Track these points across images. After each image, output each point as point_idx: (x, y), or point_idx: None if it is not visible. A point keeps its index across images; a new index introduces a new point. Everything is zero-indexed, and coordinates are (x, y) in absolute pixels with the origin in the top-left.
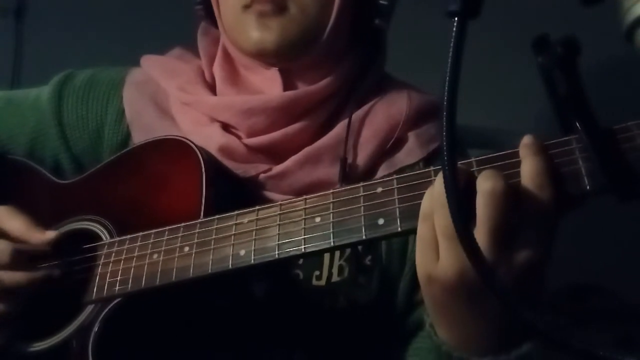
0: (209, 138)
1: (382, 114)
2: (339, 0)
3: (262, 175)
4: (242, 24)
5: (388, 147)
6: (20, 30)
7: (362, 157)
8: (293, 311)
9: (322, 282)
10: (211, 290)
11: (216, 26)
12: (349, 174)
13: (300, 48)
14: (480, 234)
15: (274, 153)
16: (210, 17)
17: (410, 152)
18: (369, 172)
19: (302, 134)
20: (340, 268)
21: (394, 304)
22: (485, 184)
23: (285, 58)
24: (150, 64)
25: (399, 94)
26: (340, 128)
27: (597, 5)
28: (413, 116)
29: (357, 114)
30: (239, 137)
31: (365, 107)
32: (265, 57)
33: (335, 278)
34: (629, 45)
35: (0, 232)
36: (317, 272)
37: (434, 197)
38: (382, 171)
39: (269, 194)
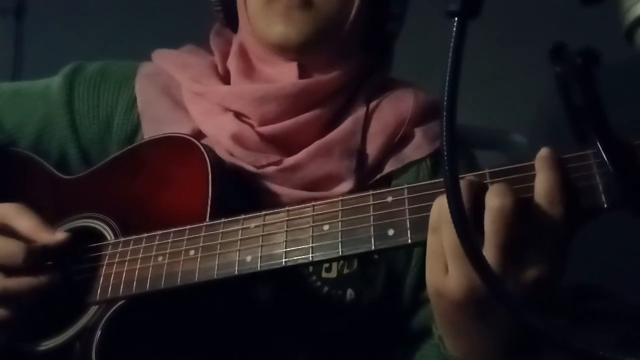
0: (221, 126)
1: (389, 110)
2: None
3: (273, 169)
4: (267, 16)
5: (395, 143)
6: (20, 30)
7: (372, 151)
8: (301, 305)
9: (332, 275)
10: (216, 293)
11: (230, 27)
12: (360, 168)
13: (321, 44)
14: (487, 249)
15: (285, 144)
16: (227, 15)
17: (417, 148)
18: (377, 166)
19: (312, 125)
20: (350, 261)
21: (400, 299)
22: (494, 201)
23: (306, 53)
24: (163, 57)
25: (405, 92)
26: (349, 122)
27: (597, 5)
28: (419, 113)
29: (366, 110)
30: (251, 127)
31: (373, 104)
32: (286, 51)
33: (345, 270)
34: (629, 45)
35: (8, 230)
36: (326, 265)
37: (442, 211)
38: (389, 166)
39: (280, 188)
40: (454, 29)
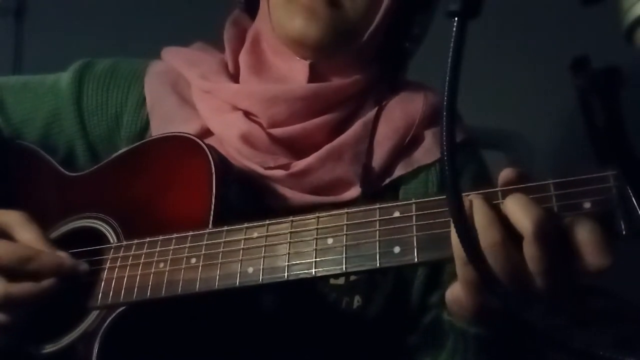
0: (230, 125)
1: (399, 112)
2: (383, 8)
3: (282, 172)
4: (290, 8)
5: (405, 145)
6: (20, 30)
7: (381, 155)
8: (308, 311)
9: (340, 281)
10: (218, 300)
11: (249, 14)
12: (367, 173)
13: (338, 46)
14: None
15: (294, 148)
16: (248, 5)
17: (427, 152)
18: (387, 170)
19: (322, 129)
20: None
21: (407, 305)
22: (487, 238)
23: (322, 52)
24: (172, 54)
25: (415, 94)
26: (359, 126)
27: (597, 5)
28: (429, 114)
29: (375, 113)
30: (260, 127)
31: (384, 106)
32: (303, 46)
33: (352, 277)
34: (629, 45)
35: (10, 238)
36: None
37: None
38: (399, 170)
39: (289, 192)
40: (454, 29)
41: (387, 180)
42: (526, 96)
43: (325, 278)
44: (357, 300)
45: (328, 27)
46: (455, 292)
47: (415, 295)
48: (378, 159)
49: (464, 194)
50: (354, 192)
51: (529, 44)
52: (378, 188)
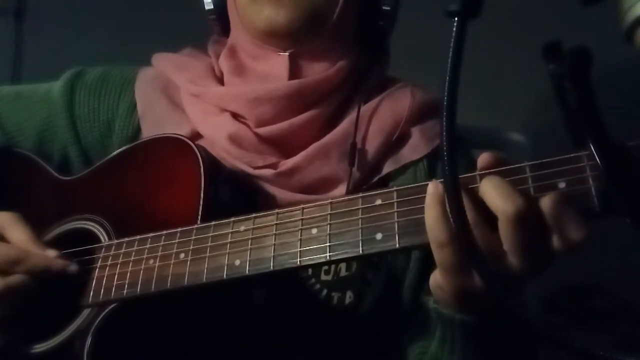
0: (219, 127)
1: (386, 110)
2: None
3: (270, 172)
4: (255, 4)
5: (392, 142)
6: (20, 30)
7: (369, 152)
8: (300, 308)
9: (331, 277)
10: (209, 296)
11: (227, 36)
12: (355, 170)
13: (311, 28)
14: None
15: (283, 145)
16: (222, 24)
17: (414, 148)
18: (375, 168)
19: (309, 126)
20: (349, 263)
21: (400, 301)
22: (469, 211)
23: (296, 38)
24: (162, 60)
25: (403, 91)
26: (347, 123)
27: (597, 5)
28: (416, 112)
29: (364, 110)
30: (248, 127)
31: (372, 104)
32: (276, 36)
33: (343, 273)
34: (629, 45)
35: (2, 238)
36: (325, 267)
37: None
38: (387, 167)
39: (278, 191)
40: (454, 29)
41: (376, 178)
42: (525, 96)
43: (310, 267)
44: (349, 296)
45: (296, 11)
46: (436, 278)
47: (407, 293)
48: (367, 158)
49: (439, 180)
50: (343, 190)
51: (528, 43)
52: (367, 186)
